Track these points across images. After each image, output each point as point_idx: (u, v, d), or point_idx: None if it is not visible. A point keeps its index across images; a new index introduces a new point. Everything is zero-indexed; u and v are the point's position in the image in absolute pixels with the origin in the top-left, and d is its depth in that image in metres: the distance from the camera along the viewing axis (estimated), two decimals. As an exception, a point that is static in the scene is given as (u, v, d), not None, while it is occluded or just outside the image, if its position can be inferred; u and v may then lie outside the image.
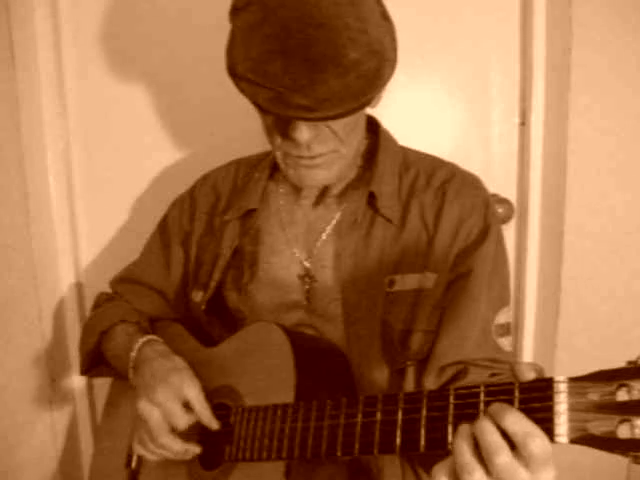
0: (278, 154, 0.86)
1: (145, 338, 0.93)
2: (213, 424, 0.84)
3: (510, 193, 1.34)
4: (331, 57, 0.72)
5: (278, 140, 0.83)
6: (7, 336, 1.18)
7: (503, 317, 0.88)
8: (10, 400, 1.20)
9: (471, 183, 0.94)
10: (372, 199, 0.91)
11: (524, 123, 1.32)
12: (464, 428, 0.54)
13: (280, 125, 0.81)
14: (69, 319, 1.37)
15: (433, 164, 0.96)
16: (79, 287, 1.40)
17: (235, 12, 0.79)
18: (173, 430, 0.83)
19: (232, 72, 0.78)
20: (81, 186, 1.38)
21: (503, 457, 0.51)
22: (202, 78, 1.31)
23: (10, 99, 1.19)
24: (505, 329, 0.88)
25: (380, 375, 0.88)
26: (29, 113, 1.25)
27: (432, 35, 1.29)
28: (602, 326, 1.24)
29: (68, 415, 1.39)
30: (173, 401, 0.82)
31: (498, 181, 1.33)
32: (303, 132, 0.78)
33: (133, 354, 0.92)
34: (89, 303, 1.15)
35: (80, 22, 1.32)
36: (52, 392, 1.32)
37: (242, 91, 0.77)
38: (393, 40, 0.81)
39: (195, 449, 0.84)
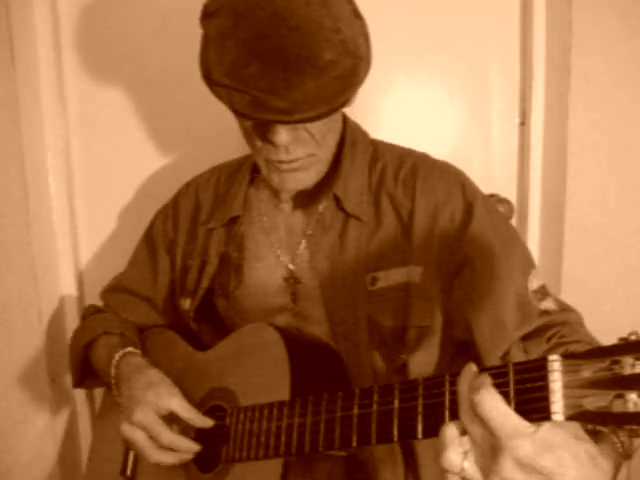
0: (260, 159, 0.86)
1: (121, 352, 0.93)
2: (207, 422, 0.84)
3: (510, 193, 1.34)
4: (306, 59, 0.72)
5: (258, 144, 0.83)
6: (7, 336, 1.18)
7: (535, 281, 0.84)
8: (10, 400, 1.20)
9: (439, 169, 0.92)
10: (338, 201, 0.90)
11: (524, 123, 1.32)
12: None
13: (259, 129, 0.81)
14: (69, 319, 1.37)
15: (401, 154, 0.94)
16: (79, 287, 1.40)
17: (206, 17, 0.78)
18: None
19: (207, 78, 0.77)
20: (81, 186, 1.38)
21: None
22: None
23: (10, 99, 1.19)
24: (543, 292, 0.84)
25: (371, 373, 0.88)
26: (29, 113, 1.25)
27: (432, 35, 1.29)
28: (602, 326, 1.24)
29: (68, 415, 1.39)
30: (153, 419, 0.82)
31: (498, 181, 1.33)
32: (282, 135, 0.77)
33: (112, 370, 0.92)
34: (89, 303, 1.15)
35: (80, 22, 1.32)
36: (52, 392, 1.31)
37: (219, 97, 0.76)
38: (366, 38, 0.80)
39: (192, 448, 0.83)
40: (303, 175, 0.85)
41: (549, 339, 0.80)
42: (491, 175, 1.33)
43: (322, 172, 0.88)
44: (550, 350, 0.78)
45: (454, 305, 0.86)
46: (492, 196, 1.29)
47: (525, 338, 0.81)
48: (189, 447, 0.83)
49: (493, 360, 0.81)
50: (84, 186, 1.39)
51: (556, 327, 0.81)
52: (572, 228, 1.23)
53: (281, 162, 0.82)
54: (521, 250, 0.88)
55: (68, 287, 1.38)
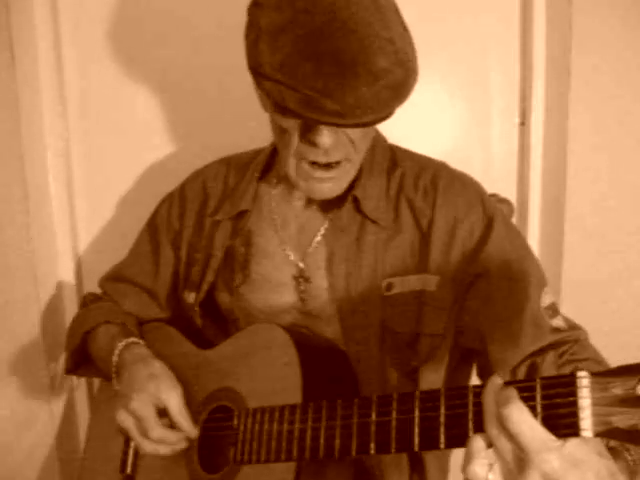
0: (291, 162, 0.83)
1: (125, 342, 0.93)
2: (192, 432, 0.83)
3: (510, 193, 1.34)
4: (362, 64, 0.71)
5: (294, 143, 0.80)
6: (7, 336, 1.18)
7: (547, 298, 0.85)
8: (10, 398, 1.20)
9: (460, 181, 0.92)
10: (357, 203, 0.89)
11: (524, 123, 1.32)
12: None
13: (303, 129, 0.78)
14: (69, 318, 1.36)
15: (420, 162, 0.94)
16: (79, 287, 1.40)
17: (257, 7, 0.76)
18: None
19: (257, 71, 0.74)
20: (81, 186, 1.38)
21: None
22: (202, 77, 1.31)
23: (10, 99, 1.19)
24: (553, 309, 0.85)
25: (381, 377, 0.87)
26: (29, 113, 1.25)
27: (432, 35, 1.28)
28: (602, 326, 1.24)
29: (68, 414, 1.39)
30: (147, 409, 0.82)
31: (498, 181, 1.33)
32: (325, 137, 0.76)
33: (114, 358, 0.91)
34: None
35: (80, 22, 1.32)
36: (52, 391, 1.32)
37: (266, 91, 0.74)
38: (413, 51, 0.79)
39: (182, 441, 0.83)
40: (335, 185, 0.84)
41: (561, 355, 0.81)
42: (491, 175, 1.33)
43: (352, 178, 0.87)
44: (562, 366, 0.79)
45: (467, 315, 0.86)
46: (492, 196, 1.29)
47: (537, 353, 0.81)
48: (179, 440, 0.83)
49: (504, 372, 0.81)
50: (84, 186, 1.38)
51: (567, 344, 0.82)
52: (572, 228, 1.23)
53: (315, 163, 0.81)
54: (535, 266, 0.88)
55: (68, 287, 1.38)
